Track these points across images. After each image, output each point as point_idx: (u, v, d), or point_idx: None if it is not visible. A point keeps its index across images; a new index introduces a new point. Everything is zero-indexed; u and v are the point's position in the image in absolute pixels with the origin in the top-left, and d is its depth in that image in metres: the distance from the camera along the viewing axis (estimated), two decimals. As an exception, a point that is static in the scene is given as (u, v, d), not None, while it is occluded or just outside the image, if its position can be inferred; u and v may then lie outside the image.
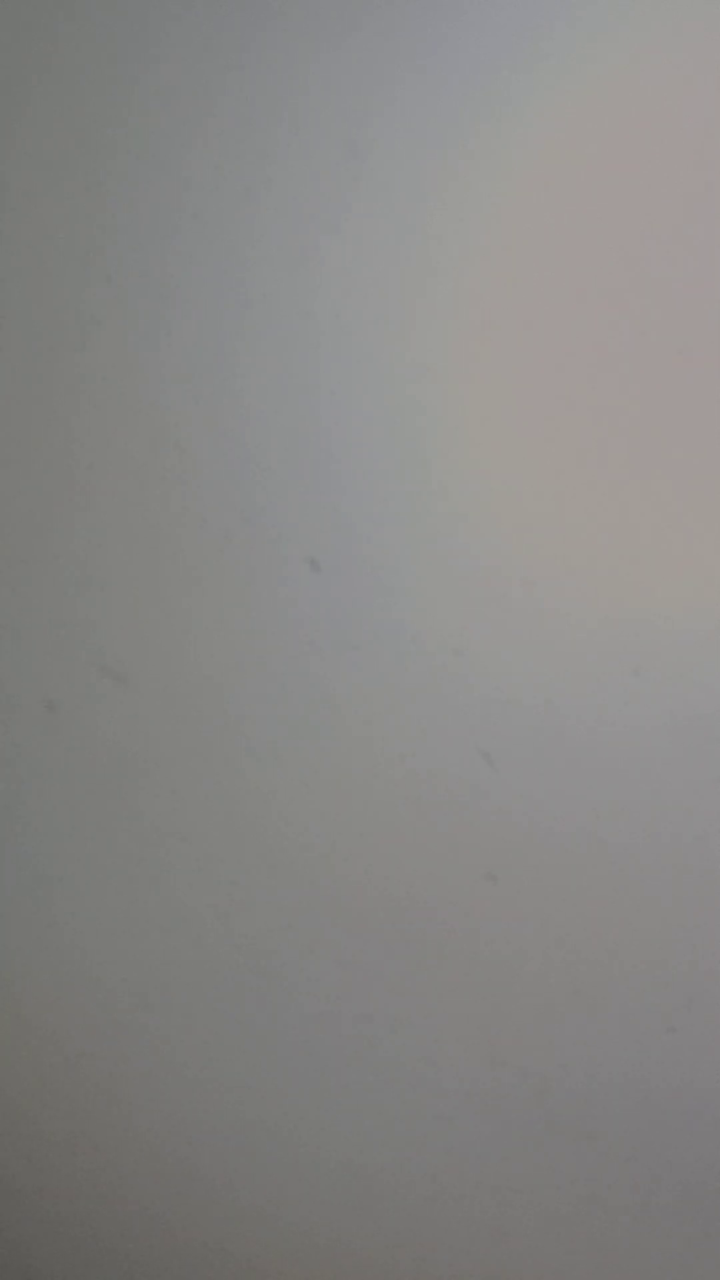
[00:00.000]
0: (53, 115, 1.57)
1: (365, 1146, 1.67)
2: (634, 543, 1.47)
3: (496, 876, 1.56)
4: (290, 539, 1.55)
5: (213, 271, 1.54)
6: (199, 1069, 1.70)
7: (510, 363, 1.48)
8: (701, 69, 1.40)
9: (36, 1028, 1.74)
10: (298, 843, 1.61)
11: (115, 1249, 1.79)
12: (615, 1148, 1.59)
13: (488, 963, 1.58)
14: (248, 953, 1.65)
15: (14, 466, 1.62)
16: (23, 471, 1.62)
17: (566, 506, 1.48)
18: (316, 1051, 1.65)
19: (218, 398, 1.55)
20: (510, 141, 1.45)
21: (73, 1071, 1.74)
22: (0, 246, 1.60)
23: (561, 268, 1.45)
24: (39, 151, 1.57)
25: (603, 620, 1.49)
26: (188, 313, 1.55)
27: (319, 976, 1.63)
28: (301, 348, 1.52)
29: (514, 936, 1.57)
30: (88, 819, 1.66)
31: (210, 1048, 1.69)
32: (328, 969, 1.63)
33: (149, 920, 1.67)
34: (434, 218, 1.47)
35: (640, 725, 1.50)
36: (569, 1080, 1.59)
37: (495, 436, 1.49)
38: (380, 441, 1.52)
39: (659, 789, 1.51)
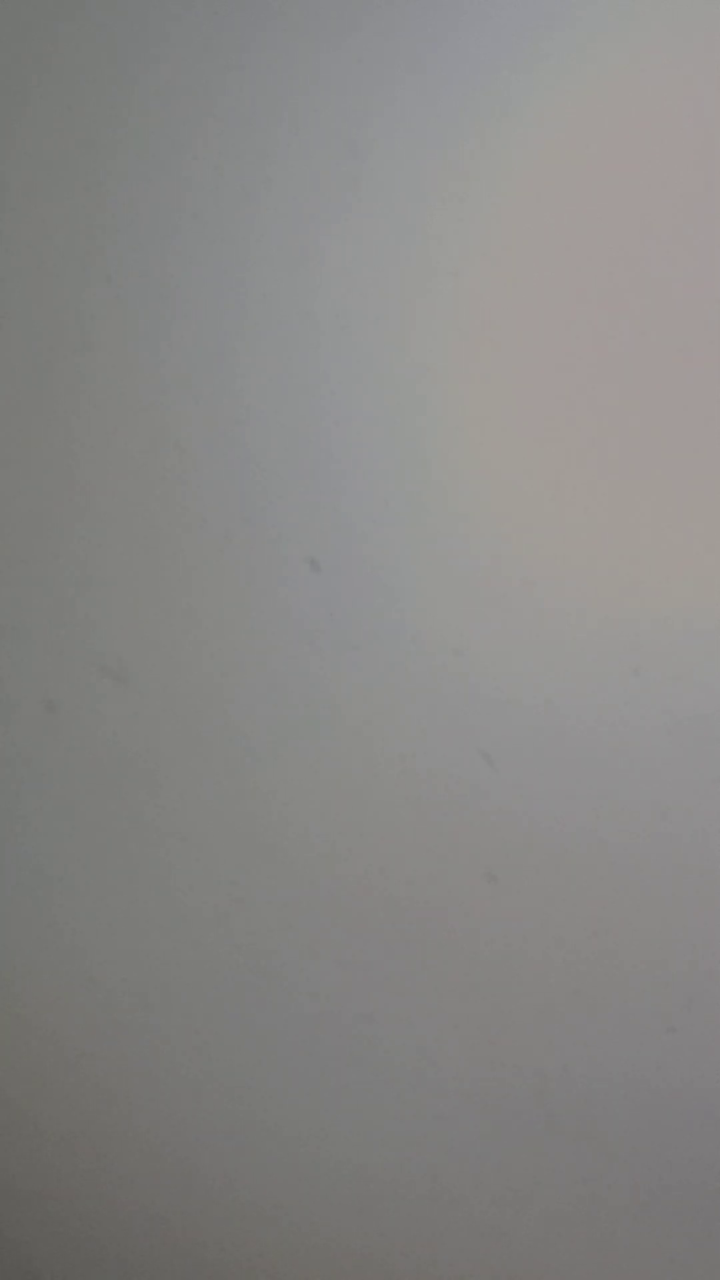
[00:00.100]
0: (53, 115, 1.57)
1: (365, 1146, 1.67)
2: (634, 543, 1.47)
3: (496, 876, 1.56)
4: (290, 539, 1.55)
5: (213, 271, 1.54)
6: (199, 1069, 1.70)
7: (510, 363, 1.48)
8: (701, 69, 1.40)
9: (36, 1028, 1.74)
10: (298, 843, 1.61)
11: (115, 1249, 1.79)
12: (615, 1148, 1.59)
13: (488, 963, 1.58)
14: (248, 953, 1.65)
15: (14, 466, 1.62)
16: (23, 471, 1.62)
17: (566, 506, 1.48)
18: (316, 1051, 1.65)
19: (218, 398, 1.55)
20: (510, 141, 1.45)
21: (73, 1071, 1.74)
22: (0, 246, 1.60)
23: (561, 268, 1.45)
24: (39, 151, 1.57)
25: (603, 620, 1.49)
26: (188, 313, 1.55)
27: (319, 976, 1.63)
28: (301, 348, 1.52)
29: (514, 936, 1.57)
30: (88, 819, 1.66)
31: (210, 1048, 1.69)
32: (328, 969, 1.63)
33: (149, 920, 1.67)
34: (434, 218, 1.47)
35: (640, 725, 1.50)
36: (569, 1080, 1.59)
37: (495, 436, 1.49)
38: (380, 441, 1.52)
39: (659, 789, 1.51)
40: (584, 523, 1.48)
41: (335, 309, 1.51)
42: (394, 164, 1.48)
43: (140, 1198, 1.76)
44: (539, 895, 1.55)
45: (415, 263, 1.48)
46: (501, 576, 1.51)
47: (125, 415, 1.58)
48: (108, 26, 1.54)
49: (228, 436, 1.56)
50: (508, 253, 1.46)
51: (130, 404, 1.58)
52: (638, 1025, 1.56)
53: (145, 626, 1.61)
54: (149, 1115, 1.73)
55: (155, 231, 1.55)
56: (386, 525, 1.53)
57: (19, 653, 1.65)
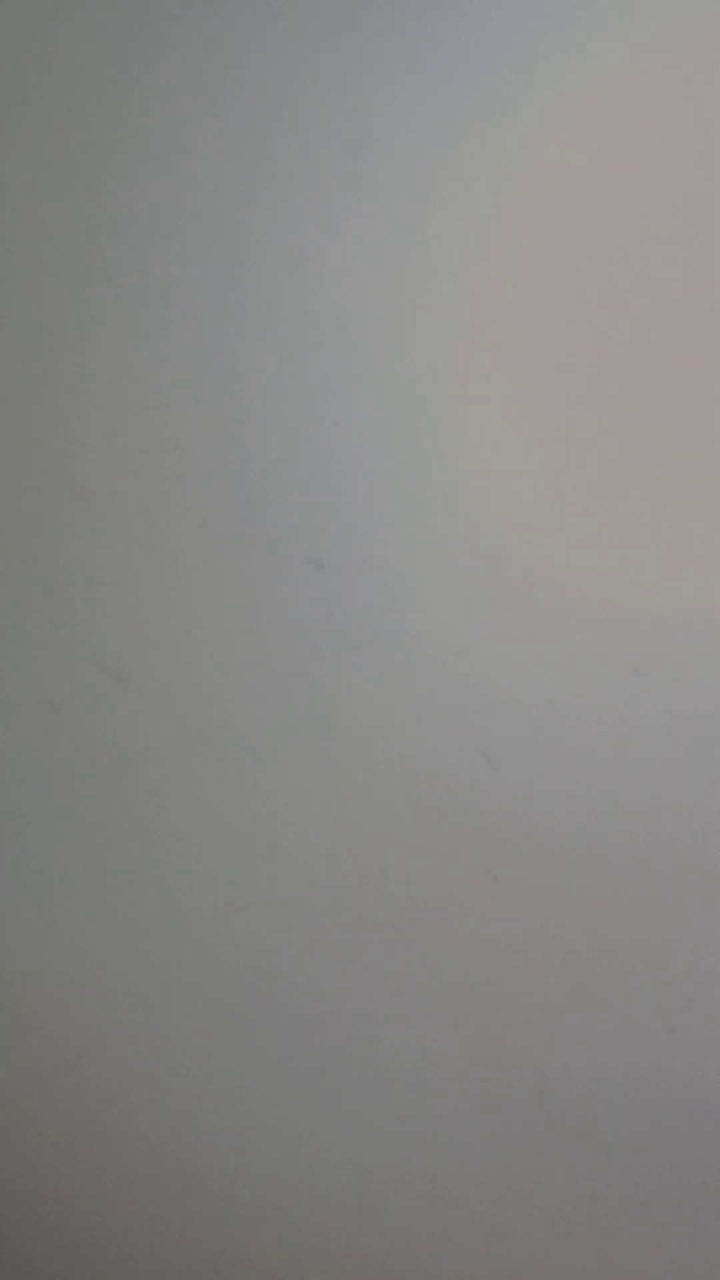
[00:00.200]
0: (53, 115, 1.57)
1: (365, 1146, 1.67)
2: (634, 543, 1.47)
3: (497, 876, 1.56)
4: (291, 539, 1.55)
5: (213, 271, 1.54)
6: (199, 1069, 1.70)
7: (510, 363, 1.48)
8: (701, 69, 1.40)
9: (36, 1028, 1.74)
10: (298, 843, 1.61)
11: (115, 1249, 1.79)
12: (615, 1148, 1.59)
13: (488, 963, 1.58)
14: (248, 953, 1.65)
15: (14, 466, 1.62)
16: (23, 471, 1.62)
17: (566, 506, 1.48)
18: (316, 1051, 1.65)
19: (218, 398, 1.55)
20: (510, 141, 1.45)
21: (73, 1071, 1.74)
22: (0, 246, 1.60)
23: (561, 268, 1.45)
24: (39, 151, 1.57)
25: (603, 620, 1.49)
26: (188, 313, 1.55)
27: (319, 976, 1.63)
28: (301, 348, 1.52)
29: (514, 936, 1.57)
30: (88, 819, 1.66)
31: (210, 1048, 1.69)
32: (328, 969, 1.63)
33: (149, 920, 1.67)
34: (434, 218, 1.47)
35: (640, 725, 1.50)
36: (569, 1080, 1.59)
37: (495, 436, 1.49)
38: (380, 441, 1.52)
39: (659, 789, 1.51)
40: (584, 523, 1.48)
41: (335, 309, 1.51)
42: (394, 164, 1.48)
43: (140, 1198, 1.76)
44: (539, 895, 1.55)
45: (415, 263, 1.48)
46: (501, 576, 1.51)
47: (125, 415, 1.58)
48: (108, 26, 1.54)
49: (228, 436, 1.56)
50: (508, 253, 1.46)
51: (130, 404, 1.58)
52: (638, 1025, 1.56)
53: (145, 626, 1.61)
54: (149, 1115, 1.73)
55: (155, 231, 1.55)
56: (386, 525, 1.53)
57: (19, 653, 1.65)
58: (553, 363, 1.47)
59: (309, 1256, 1.72)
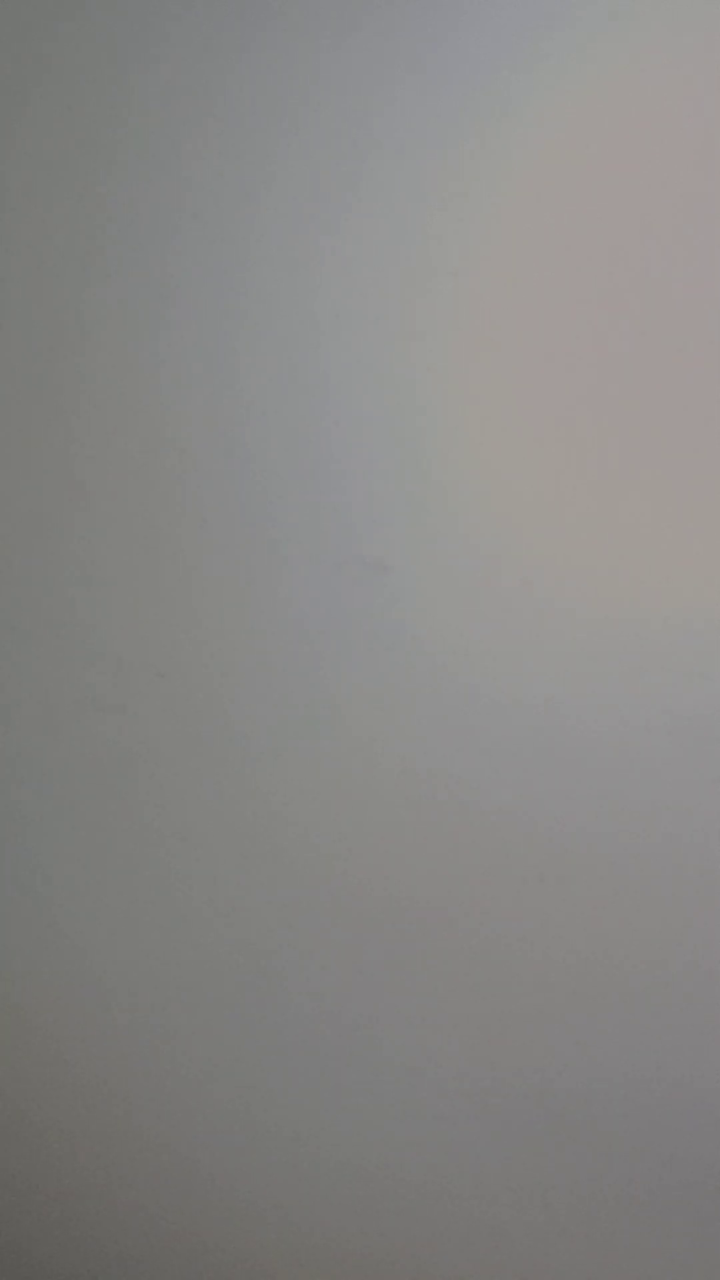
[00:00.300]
0: (53, 115, 1.57)
1: (365, 1146, 1.67)
2: (634, 543, 1.47)
3: (497, 876, 1.56)
4: (291, 539, 1.55)
5: (213, 271, 1.54)
6: (199, 1069, 1.70)
7: (510, 363, 1.48)
8: (701, 69, 1.40)
9: (36, 1028, 1.74)
10: (298, 843, 1.61)
11: (115, 1249, 1.79)
12: (615, 1148, 1.59)
13: (488, 963, 1.58)
14: (248, 953, 1.65)
15: (14, 466, 1.62)
16: (23, 471, 1.62)
17: (566, 506, 1.48)
18: (316, 1051, 1.65)
19: (218, 398, 1.55)
20: (510, 141, 1.45)
21: (73, 1071, 1.74)
22: (0, 246, 1.60)
23: (561, 268, 1.45)
24: (39, 151, 1.58)
25: (603, 620, 1.49)
26: (188, 313, 1.55)
27: (319, 976, 1.63)
28: (301, 348, 1.52)
29: (514, 936, 1.57)
30: (88, 819, 1.66)
31: (210, 1048, 1.69)
32: (328, 969, 1.63)
33: (149, 920, 1.67)
34: (434, 218, 1.47)
35: (640, 725, 1.50)
36: (569, 1080, 1.59)
37: (495, 436, 1.49)
38: (380, 441, 1.52)
39: (659, 789, 1.51)
40: (584, 523, 1.48)
41: (335, 309, 1.51)
42: (394, 164, 1.48)
43: (140, 1198, 1.76)
44: (539, 895, 1.55)
45: (415, 263, 1.48)
46: (501, 576, 1.51)
47: (125, 415, 1.58)
48: (108, 26, 1.54)
49: (228, 436, 1.56)
50: (508, 253, 1.46)
51: (130, 404, 1.58)
52: (638, 1025, 1.56)
53: (145, 626, 1.61)
54: (149, 1115, 1.73)
55: (155, 231, 1.55)
56: (386, 525, 1.53)
57: (19, 653, 1.65)
58: (552, 363, 1.47)
59: (309, 1256, 1.72)
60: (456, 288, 1.48)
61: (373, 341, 1.50)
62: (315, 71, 1.49)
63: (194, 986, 1.67)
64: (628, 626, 1.49)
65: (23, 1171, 1.79)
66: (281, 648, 1.57)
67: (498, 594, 1.51)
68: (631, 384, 1.45)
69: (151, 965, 1.68)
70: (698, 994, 1.54)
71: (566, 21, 1.43)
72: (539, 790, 1.53)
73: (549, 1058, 1.59)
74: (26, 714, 1.65)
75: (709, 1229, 1.59)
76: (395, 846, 1.58)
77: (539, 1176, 1.62)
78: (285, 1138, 1.69)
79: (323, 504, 1.54)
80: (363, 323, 1.50)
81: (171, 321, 1.55)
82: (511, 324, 1.47)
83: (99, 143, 1.56)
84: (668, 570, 1.47)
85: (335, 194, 1.49)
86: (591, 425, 1.46)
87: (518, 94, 1.44)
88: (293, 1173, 1.70)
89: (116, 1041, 1.72)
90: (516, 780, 1.54)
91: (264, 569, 1.56)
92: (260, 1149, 1.70)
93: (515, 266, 1.46)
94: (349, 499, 1.53)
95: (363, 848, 1.59)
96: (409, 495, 1.52)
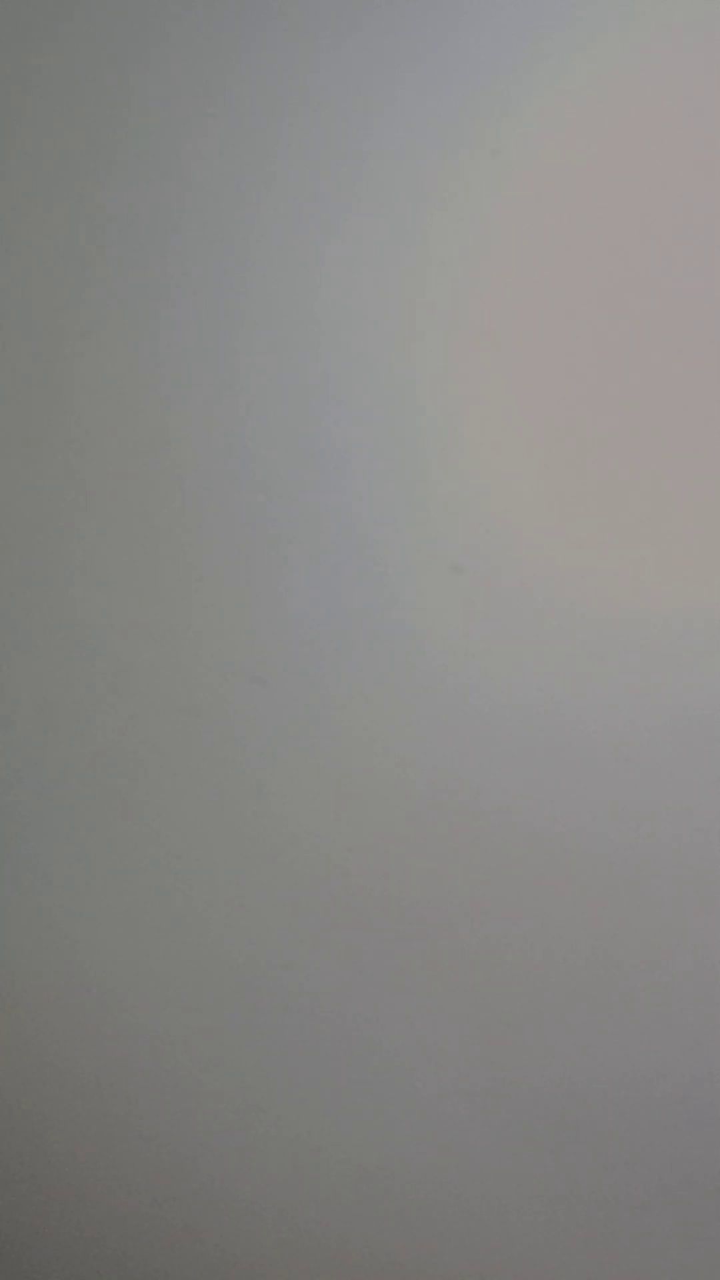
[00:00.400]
0: (52, 115, 1.57)
1: (365, 1146, 1.67)
2: (634, 543, 1.47)
3: (496, 876, 1.56)
4: (290, 539, 1.55)
5: (213, 271, 1.54)
6: (199, 1069, 1.70)
7: (510, 363, 1.48)
8: (701, 69, 1.40)
9: (36, 1028, 1.74)
10: (298, 843, 1.61)
11: (115, 1249, 1.79)
12: (616, 1148, 1.59)
13: (488, 963, 1.58)
14: (248, 953, 1.65)
15: (14, 466, 1.62)
16: (23, 471, 1.62)
17: (566, 506, 1.48)
18: (316, 1051, 1.65)
19: (218, 398, 1.55)
20: (510, 141, 1.45)
21: (73, 1072, 1.74)
22: (0, 246, 1.60)
23: (561, 268, 1.45)
24: (39, 151, 1.57)
25: (603, 620, 1.49)
26: (188, 313, 1.55)
27: (319, 976, 1.63)
28: (301, 348, 1.52)
29: (514, 936, 1.57)
30: (88, 819, 1.66)
31: (210, 1048, 1.69)
32: (328, 969, 1.63)
33: (149, 920, 1.67)
34: (434, 218, 1.47)
35: (640, 725, 1.50)
36: (569, 1080, 1.59)
37: (495, 436, 1.49)
38: (380, 441, 1.52)
39: (659, 789, 1.51)
40: (584, 523, 1.48)
41: (335, 309, 1.51)
42: (394, 164, 1.48)
43: (140, 1198, 1.76)
44: (539, 895, 1.55)
45: (415, 263, 1.48)
46: (501, 576, 1.51)
47: (125, 415, 1.58)
48: (108, 26, 1.54)
49: (228, 436, 1.56)
50: (507, 253, 1.46)
51: (130, 404, 1.58)
52: (638, 1025, 1.56)
53: (144, 626, 1.61)
54: (149, 1115, 1.73)
55: (155, 231, 1.55)
56: (386, 525, 1.53)
57: (19, 653, 1.65)
58: (553, 363, 1.47)
59: (309, 1256, 1.72)
60: (456, 288, 1.48)
61: (373, 341, 1.50)
62: (315, 71, 1.48)
63: (194, 986, 1.67)
64: (628, 626, 1.49)
65: (23, 1171, 1.79)
66: (281, 648, 1.57)
67: (498, 594, 1.51)
68: (632, 384, 1.45)
69: (151, 965, 1.68)
70: (698, 994, 1.54)
71: (566, 21, 1.42)
72: (539, 790, 1.53)
73: (549, 1058, 1.59)
74: (26, 714, 1.65)
75: (709, 1229, 1.59)
76: (395, 846, 1.58)
77: (539, 1176, 1.62)
78: (285, 1138, 1.69)
79: (323, 504, 1.54)
80: (363, 323, 1.50)
81: (171, 321, 1.55)
82: (511, 324, 1.47)
83: (98, 143, 1.56)
84: (668, 570, 1.47)
85: (335, 194, 1.49)
86: (591, 425, 1.46)
87: (518, 94, 1.44)
88: (293, 1173, 1.70)
89: (116, 1041, 1.72)
90: (516, 780, 1.54)
91: (264, 569, 1.56)
92: (260, 1149, 1.70)
93: (515, 267, 1.46)
94: (349, 499, 1.53)
95: (363, 847, 1.59)
96: (409, 495, 1.52)
